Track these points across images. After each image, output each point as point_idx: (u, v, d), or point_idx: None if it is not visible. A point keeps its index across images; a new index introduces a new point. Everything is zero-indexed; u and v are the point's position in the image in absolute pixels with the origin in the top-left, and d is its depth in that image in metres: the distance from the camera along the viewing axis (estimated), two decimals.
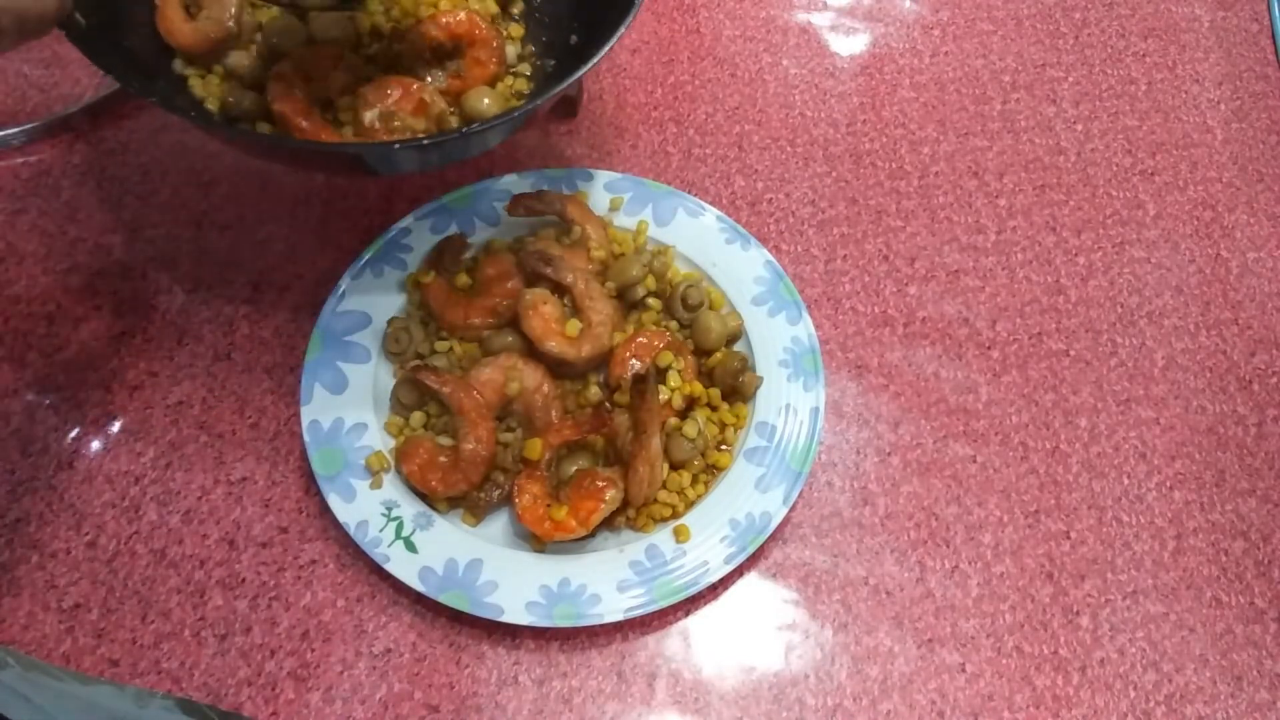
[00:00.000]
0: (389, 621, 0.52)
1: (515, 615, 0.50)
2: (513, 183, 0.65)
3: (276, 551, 0.54)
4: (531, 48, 0.68)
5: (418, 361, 0.57)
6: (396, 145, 0.54)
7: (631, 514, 0.54)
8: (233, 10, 0.60)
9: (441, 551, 0.52)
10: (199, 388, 0.58)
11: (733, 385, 0.57)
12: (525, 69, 0.67)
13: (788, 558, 0.56)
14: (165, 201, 0.65)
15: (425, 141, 0.55)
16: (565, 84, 0.53)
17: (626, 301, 0.60)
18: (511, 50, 0.65)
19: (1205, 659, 0.55)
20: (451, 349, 0.58)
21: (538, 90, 0.65)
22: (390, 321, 0.58)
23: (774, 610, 0.54)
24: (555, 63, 0.67)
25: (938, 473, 0.60)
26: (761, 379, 0.58)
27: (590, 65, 0.53)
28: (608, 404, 0.57)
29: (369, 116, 0.58)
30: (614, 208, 0.65)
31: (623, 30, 0.54)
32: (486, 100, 0.61)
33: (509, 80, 0.65)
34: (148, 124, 0.68)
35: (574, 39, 0.66)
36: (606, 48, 0.53)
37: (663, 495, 0.54)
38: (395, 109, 0.58)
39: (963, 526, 0.58)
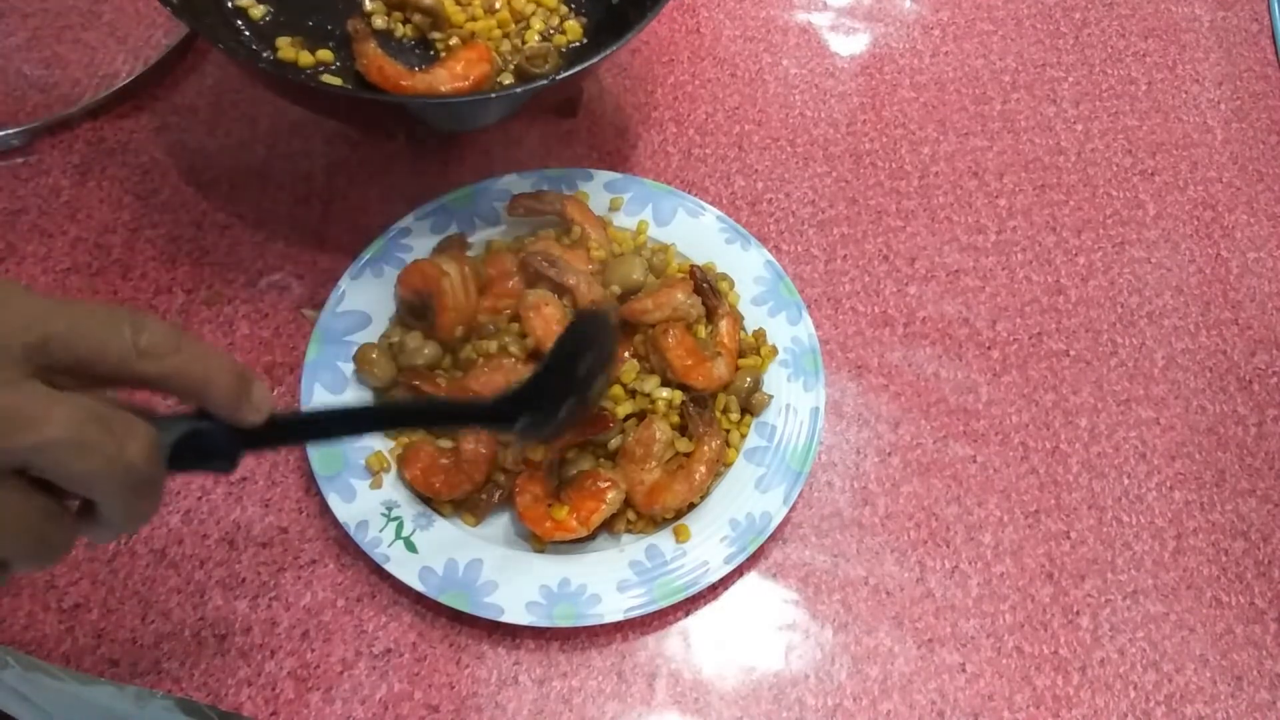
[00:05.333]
0: (389, 621, 0.52)
1: (515, 615, 0.50)
2: (513, 183, 0.65)
3: (276, 551, 0.54)
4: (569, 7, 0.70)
5: (411, 365, 0.57)
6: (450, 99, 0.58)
7: (632, 518, 0.54)
8: None
9: (441, 551, 0.52)
10: None
11: (744, 404, 0.58)
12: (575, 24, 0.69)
13: (788, 558, 0.56)
14: (165, 201, 0.65)
15: (493, 95, 0.58)
16: (611, 49, 0.55)
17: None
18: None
19: (1205, 659, 0.55)
20: (445, 357, 0.57)
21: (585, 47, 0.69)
22: (357, 354, 0.56)
23: (774, 610, 0.54)
24: (594, 24, 0.69)
25: (938, 473, 0.59)
26: (771, 397, 0.58)
27: (635, 32, 0.56)
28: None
29: None
30: (614, 208, 0.65)
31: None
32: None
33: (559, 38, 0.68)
34: (148, 124, 0.68)
35: (615, 0, 0.68)
36: (659, 7, 0.57)
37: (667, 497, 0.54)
38: None
39: (963, 526, 0.58)
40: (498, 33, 0.67)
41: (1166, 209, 0.73)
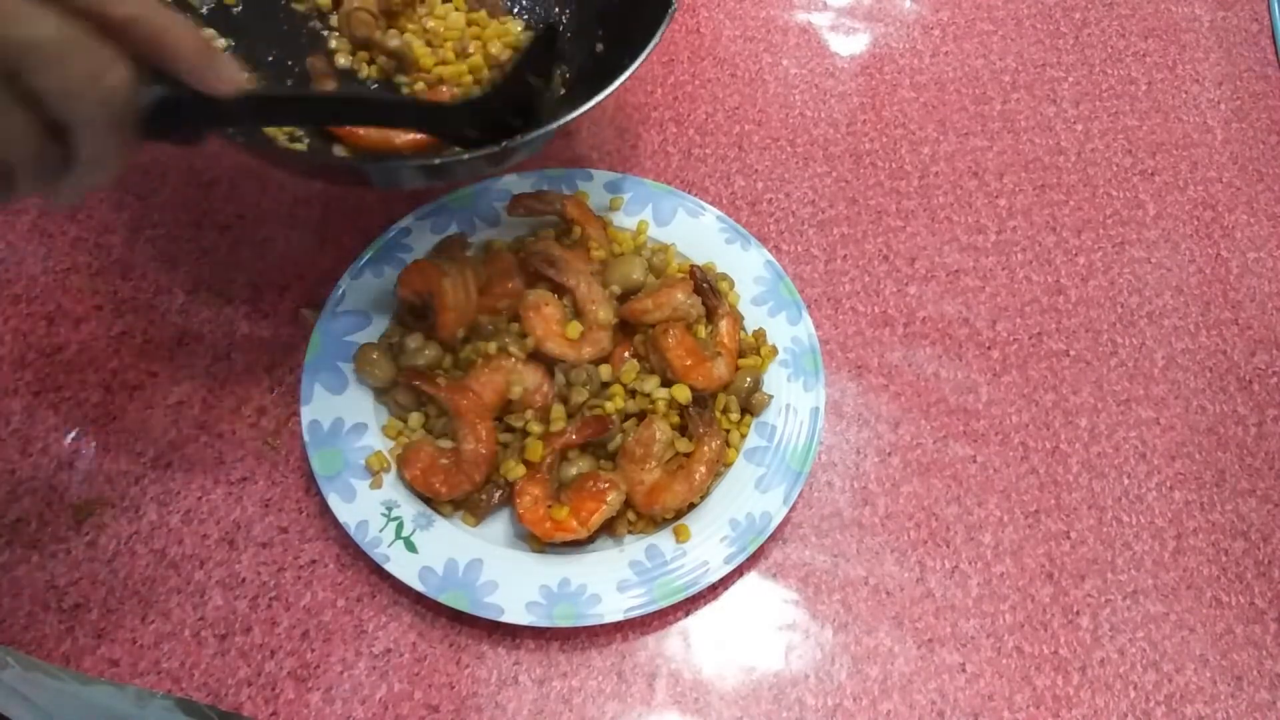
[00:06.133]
0: (389, 621, 0.52)
1: (515, 615, 0.50)
2: (513, 182, 0.65)
3: (276, 551, 0.54)
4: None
5: (411, 365, 0.57)
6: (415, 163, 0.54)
7: (632, 518, 0.54)
8: None
9: (441, 551, 0.52)
10: (199, 388, 0.58)
11: (744, 404, 0.58)
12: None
13: (788, 558, 0.56)
14: (165, 201, 0.65)
15: (437, 161, 0.53)
16: (591, 103, 0.52)
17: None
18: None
19: (1205, 659, 0.55)
20: (445, 358, 0.57)
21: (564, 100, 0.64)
22: (357, 354, 0.56)
23: (774, 610, 0.54)
24: (576, 71, 0.64)
25: (938, 473, 0.60)
26: (771, 397, 0.58)
27: (619, 83, 0.52)
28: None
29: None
30: (614, 208, 0.65)
31: (653, 45, 0.53)
32: None
33: None
34: None
35: (600, 47, 0.64)
36: (639, 61, 0.53)
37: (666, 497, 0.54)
38: None
39: (963, 526, 0.58)
40: (469, 78, 0.62)
41: (1166, 209, 0.73)
